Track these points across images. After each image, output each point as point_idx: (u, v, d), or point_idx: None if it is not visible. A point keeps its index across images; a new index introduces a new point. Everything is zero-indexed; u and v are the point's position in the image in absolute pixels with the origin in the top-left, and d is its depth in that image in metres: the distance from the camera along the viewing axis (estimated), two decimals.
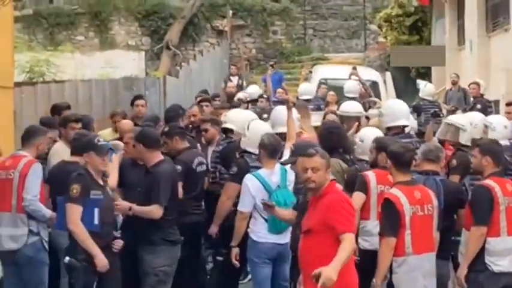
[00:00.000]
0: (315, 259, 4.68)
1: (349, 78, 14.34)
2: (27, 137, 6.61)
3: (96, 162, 5.76)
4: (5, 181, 6.40)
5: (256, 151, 6.51)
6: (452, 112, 12.64)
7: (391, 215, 5.38)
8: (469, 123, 7.25)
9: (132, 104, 9.57)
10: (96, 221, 5.66)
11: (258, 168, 6.42)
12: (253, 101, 12.47)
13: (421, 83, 15.43)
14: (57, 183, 6.33)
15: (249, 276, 7.27)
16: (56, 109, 9.06)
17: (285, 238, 6.27)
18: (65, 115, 8.23)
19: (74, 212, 5.61)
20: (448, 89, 15.70)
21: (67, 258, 5.63)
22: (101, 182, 5.86)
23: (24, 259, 6.30)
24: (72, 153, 6.58)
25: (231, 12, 23.60)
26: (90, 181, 5.72)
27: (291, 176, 6.32)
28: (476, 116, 7.79)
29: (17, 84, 12.44)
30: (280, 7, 24.60)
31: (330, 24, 24.80)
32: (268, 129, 6.91)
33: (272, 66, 17.54)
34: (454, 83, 15.24)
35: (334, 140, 6.63)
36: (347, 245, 4.60)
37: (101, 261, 5.65)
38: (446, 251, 6.13)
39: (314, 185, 4.83)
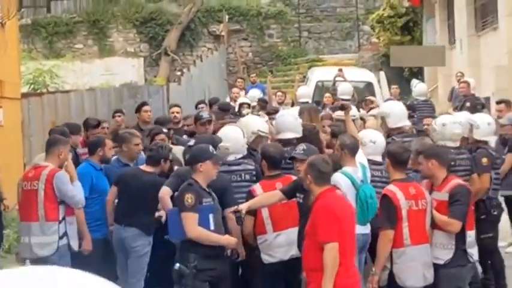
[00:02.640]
0: (311, 259, 5.26)
1: (335, 80, 14.74)
2: (49, 147, 6.86)
3: (211, 171, 6.05)
4: (29, 192, 6.67)
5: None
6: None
7: (389, 209, 5.85)
8: (441, 122, 7.64)
9: (137, 111, 10.02)
10: (212, 227, 5.90)
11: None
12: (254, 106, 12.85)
13: (414, 83, 15.87)
14: (128, 190, 6.88)
15: None
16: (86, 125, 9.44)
17: (367, 228, 6.61)
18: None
19: (191, 219, 5.83)
20: (453, 86, 15.88)
21: (177, 265, 5.75)
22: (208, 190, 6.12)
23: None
24: (148, 163, 7.05)
25: (227, 17, 23.99)
26: (200, 190, 5.95)
27: (369, 173, 6.71)
28: (461, 116, 8.24)
29: (24, 95, 12.89)
30: (275, 11, 24.99)
31: (324, 26, 25.19)
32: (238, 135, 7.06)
33: (271, 72, 17.99)
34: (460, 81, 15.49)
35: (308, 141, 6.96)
36: (327, 260, 5.12)
37: (232, 241, 6.03)
38: None
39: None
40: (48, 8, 25.67)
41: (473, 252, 6.20)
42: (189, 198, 5.85)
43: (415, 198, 5.91)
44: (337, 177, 6.42)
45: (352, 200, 6.22)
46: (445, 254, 6.00)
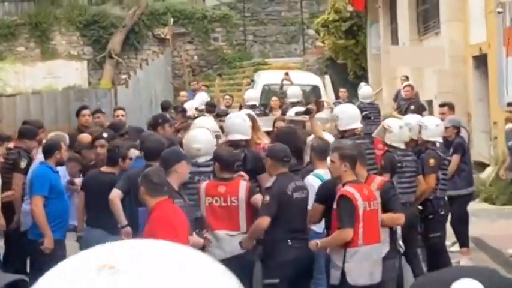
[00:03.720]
0: None
1: (282, 83, 14.92)
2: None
3: (186, 171, 6.13)
4: None
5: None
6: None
7: (349, 209, 5.96)
8: (398, 125, 7.89)
9: (77, 115, 9.95)
10: None
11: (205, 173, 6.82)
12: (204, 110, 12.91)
13: (360, 86, 16.14)
14: (92, 192, 7.00)
15: None
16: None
17: (321, 227, 6.78)
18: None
19: None
20: (398, 89, 16.12)
21: None
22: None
23: None
24: (107, 164, 7.18)
25: (172, 20, 23.92)
26: (171, 191, 5.90)
27: None
28: (411, 118, 8.45)
29: None
30: (220, 14, 25.02)
31: (269, 29, 25.35)
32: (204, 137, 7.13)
33: (220, 75, 18.05)
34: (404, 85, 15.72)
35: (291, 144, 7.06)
36: None
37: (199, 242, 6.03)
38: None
39: None
40: None
41: (401, 244, 6.62)
42: None
43: (368, 199, 6.06)
44: (310, 180, 6.62)
45: None
46: (383, 248, 6.24)
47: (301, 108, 9.07)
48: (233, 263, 5.84)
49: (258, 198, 6.42)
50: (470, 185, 9.61)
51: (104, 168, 7.29)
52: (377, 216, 6.13)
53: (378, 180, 6.43)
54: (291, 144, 6.92)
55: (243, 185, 6.53)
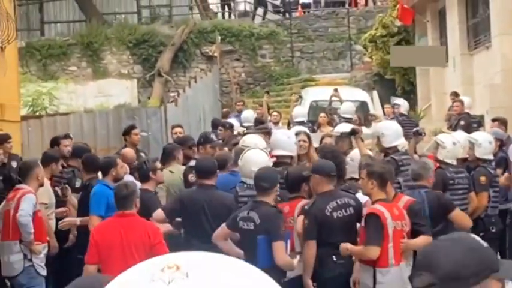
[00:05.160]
0: None
1: (331, 99, 14.94)
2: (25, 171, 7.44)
3: None
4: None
5: (249, 181, 6.77)
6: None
7: (377, 227, 5.90)
8: (451, 141, 7.83)
9: (127, 133, 10.07)
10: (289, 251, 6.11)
11: (249, 197, 6.69)
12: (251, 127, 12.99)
13: (392, 100, 16.16)
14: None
15: None
16: (54, 140, 9.54)
17: None
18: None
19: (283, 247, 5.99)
20: (450, 106, 15.89)
21: None
22: None
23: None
24: (141, 182, 7.27)
25: (219, 37, 24.13)
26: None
27: None
28: (459, 134, 8.40)
29: (24, 118, 12.96)
30: (267, 31, 25.15)
31: (316, 46, 25.37)
32: (261, 159, 6.96)
33: (267, 92, 18.15)
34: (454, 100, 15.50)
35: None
36: None
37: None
38: None
39: None
40: (42, 31, 25.80)
41: None
42: (283, 226, 6.01)
43: (399, 219, 5.99)
44: (361, 197, 6.58)
45: None
46: (408, 270, 6.07)
47: (347, 128, 9.04)
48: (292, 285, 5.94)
49: (299, 220, 6.45)
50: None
51: (140, 186, 7.26)
52: (402, 236, 6.04)
53: (405, 199, 6.31)
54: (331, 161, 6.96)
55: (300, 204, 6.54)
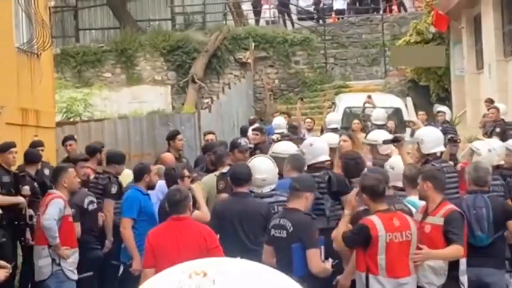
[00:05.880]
0: None
1: (364, 106, 14.86)
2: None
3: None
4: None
5: (255, 189, 6.79)
6: None
7: (361, 236, 5.82)
8: (487, 148, 7.74)
9: (171, 139, 10.14)
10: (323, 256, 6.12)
11: None
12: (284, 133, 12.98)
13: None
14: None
15: None
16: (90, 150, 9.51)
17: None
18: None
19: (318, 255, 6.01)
20: (484, 113, 15.72)
21: None
22: None
23: None
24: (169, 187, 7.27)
25: (253, 44, 24.18)
26: None
27: None
28: (495, 141, 8.30)
29: (58, 124, 13.10)
30: (301, 37, 25.13)
31: (350, 52, 25.28)
32: (265, 166, 6.96)
33: (301, 99, 18.14)
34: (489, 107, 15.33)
35: (352, 170, 7.11)
36: None
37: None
38: (501, 260, 6.66)
39: None
40: (77, 38, 26.08)
41: (464, 281, 6.08)
42: (317, 233, 6.01)
43: (399, 230, 5.82)
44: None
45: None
46: (437, 280, 5.94)
47: (389, 136, 8.96)
48: None
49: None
50: None
51: None
52: (409, 247, 5.85)
53: (447, 207, 6.11)
54: (351, 170, 6.94)
55: None
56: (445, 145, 8.51)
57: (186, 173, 7.51)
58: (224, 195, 7.35)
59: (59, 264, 7.22)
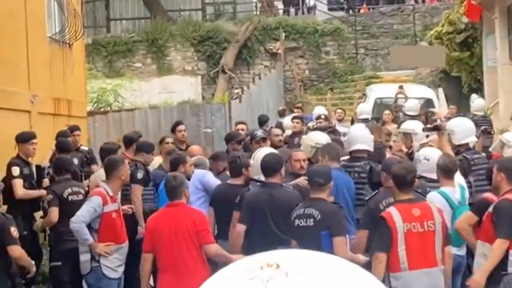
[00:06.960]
0: None
1: (396, 97, 14.77)
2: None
3: None
4: None
5: (261, 178, 6.85)
6: None
7: (383, 232, 5.73)
8: None
9: (172, 130, 10.15)
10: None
11: None
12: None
13: (472, 98, 15.75)
14: (221, 206, 7.23)
15: None
16: (126, 140, 9.53)
17: (463, 250, 6.60)
18: None
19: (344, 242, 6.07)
20: None
21: None
22: None
23: None
24: (233, 176, 7.44)
25: (283, 34, 24.11)
26: None
27: (467, 194, 6.75)
28: None
29: (90, 114, 13.19)
30: (331, 28, 25.00)
31: (381, 42, 25.10)
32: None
33: (331, 89, 18.08)
34: None
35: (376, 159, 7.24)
36: None
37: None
38: None
39: None
40: (108, 28, 26.23)
41: None
42: (344, 221, 6.16)
43: (419, 220, 5.71)
44: (433, 197, 6.44)
45: (448, 220, 6.14)
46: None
47: (419, 125, 8.90)
48: None
49: None
50: None
51: (230, 181, 7.51)
52: (433, 238, 5.72)
53: (500, 198, 5.93)
54: (376, 160, 6.93)
55: None
56: (478, 136, 8.41)
57: (251, 162, 7.42)
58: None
59: (98, 261, 7.08)
